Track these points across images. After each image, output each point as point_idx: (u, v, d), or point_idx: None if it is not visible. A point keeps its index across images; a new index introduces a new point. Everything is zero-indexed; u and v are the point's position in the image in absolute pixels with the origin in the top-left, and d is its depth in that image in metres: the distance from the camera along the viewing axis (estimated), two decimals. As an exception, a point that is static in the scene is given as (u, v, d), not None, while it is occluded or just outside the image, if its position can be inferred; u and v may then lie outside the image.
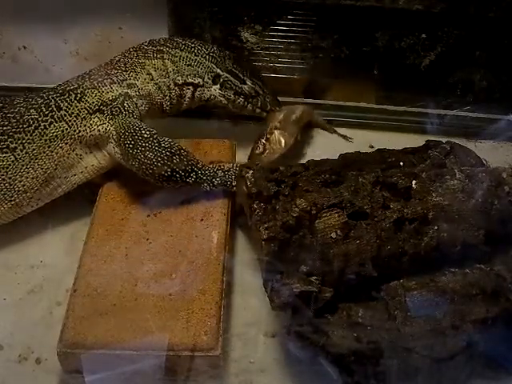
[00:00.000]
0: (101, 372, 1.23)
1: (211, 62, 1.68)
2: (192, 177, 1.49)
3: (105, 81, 1.57)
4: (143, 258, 1.39)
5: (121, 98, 1.56)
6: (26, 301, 1.43)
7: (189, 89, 1.68)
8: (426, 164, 1.41)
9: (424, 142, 1.51)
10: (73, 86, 1.55)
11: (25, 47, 1.96)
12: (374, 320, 1.23)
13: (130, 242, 1.43)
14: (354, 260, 1.24)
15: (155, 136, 1.49)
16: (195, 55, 1.67)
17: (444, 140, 1.52)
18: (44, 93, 1.53)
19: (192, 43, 1.69)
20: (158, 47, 1.66)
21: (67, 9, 1.87)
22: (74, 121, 1.51)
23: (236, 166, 1.55)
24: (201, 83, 1.68)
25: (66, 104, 1.51)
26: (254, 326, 1.39)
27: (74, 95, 1.52)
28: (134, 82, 1.60)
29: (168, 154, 1.46)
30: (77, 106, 1.51)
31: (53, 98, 1.51)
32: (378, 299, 1.26)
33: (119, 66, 1.61)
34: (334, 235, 1.25)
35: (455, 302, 1.24)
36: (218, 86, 1.69)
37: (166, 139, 1.50)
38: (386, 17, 1.83)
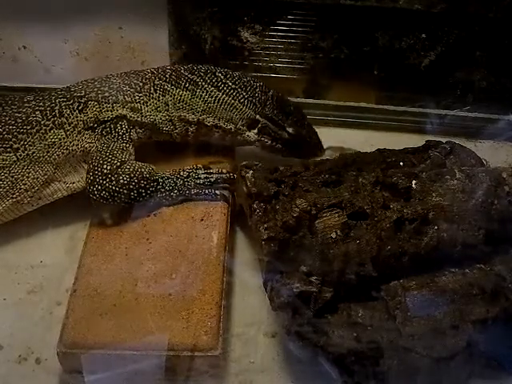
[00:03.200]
0: (101, 372, 1.23)
1: (249, 107, 1.56)
2: (151, 200, 1.47)
3: (110, 97, 1.52)
4: (143, 258, 1.39)
5: (116, 119, 1.50)
6: (25, 301, 1.43)
7: (217, 132, 1.59)
8: (426, 164, 1.41)
9: (424, 142, 1.51)
10: (80, 93, 1.51)
11: (25, 47, 1.96)
12: (374, 320, 1.23)
13: (130, 242, 1.43)
14: (353, 260, 1.24)
15: (115, 172, 1.43)
16: (233, 99, 1.55)
17: (444, 140, 1.52)
18: (53, 94, 1.51)
19: (233, 83, 1.56)
20: (195, 77, 1.56)
21: (67, 9, 1.87)
22: (72, 131, 1.48)
23: (197, 169, 1.53)
24: (233, 129, 1.58)
25: (68, 112, 1.48)
26: (253, 326, 1.39)
27: (77, 104, 1.49)
28: (140, 106, 1.53)
29: (125, 191, 1.43)
30: (77, 117, 1.49)
31: (58, 102, 1.49)
32: (377, 299, 1.26)
33: (135, 85, 1.54)
34: (333, 235, 1.25)
35: (455, 301, 1.24)
36: (256, 130, 1.59)
37: (127, 170, 1.44)
38: (386, 17, 1.83)
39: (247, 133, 1.59)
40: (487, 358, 1.26)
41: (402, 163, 1.42)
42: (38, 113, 1.47)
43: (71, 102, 1.50)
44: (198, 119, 1.57)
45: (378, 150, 1.50)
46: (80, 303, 1.29)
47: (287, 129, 1.60)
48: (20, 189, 1.46)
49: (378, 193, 1.32)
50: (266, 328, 1.39)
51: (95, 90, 1.52)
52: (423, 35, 1.86)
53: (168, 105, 1.55)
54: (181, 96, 1.55)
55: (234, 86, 1.57)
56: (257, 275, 1.36)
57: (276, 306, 1.23)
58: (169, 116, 1.56)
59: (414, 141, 1.58)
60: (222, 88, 1.56)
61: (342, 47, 1.92)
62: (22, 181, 1.45)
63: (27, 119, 1.46)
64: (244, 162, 1.45)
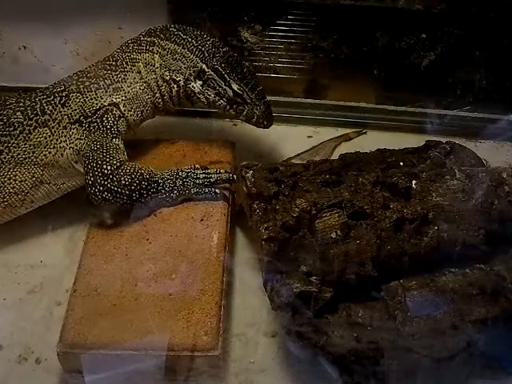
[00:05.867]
0: (101, 372, 1.23)
1: (197, 55, 1.55)
2: (152, 201, 1.47)
3: (91, 85, 1.51)
4: (143, 258, 1.39)
5: (102, 111, 1.50)
6: (25, 301, 1.43)
7: (173, 87, 1.59)
8: (426, 164, 1.41)
9: (424, 142, 1.51)
10: (60, 87, 1.50)
11: (25, 47, 1.96)
12: (374, 320, 1.22)
13: (130, 242, 1.43)
14: (354, 260, 1.24)
15: (116, 172, 1.42)
16: (182, 48, 1.55)
17: (444, 140, 1.52)
18: (33, 94, 1.50)
19: (184, 34, 1.57)
20: (152, 38, 1.58)
21: (67, 9, 1.87)
22: (57, 128, 1.47)
23: (195, 169, 1.53)
24: (182, 81, 1.57)
25: (51, 108, 1.47)
26: (253, 326, 1.39)
27: (58, 98, 1.48)
28: (120, 85, 1.54)
29: (127, 192, 1.42)
30: (60, 112, 1.47)
31: (39, 100, 1.47)
32: (378, 299, 1.26)
33: (110, 66, 1.55)
34: (333, 235, 1.25)
35: (455, 301, 1.24)
36: (201, 82, 1.56)
37: (128, 171, 1.43)
38: (386, 17, 1.83)
39: (193, 83, 1.56)
40: (487, 357, 1.25)
41: (402, 163, 1.42)
42: (19, 113, 1.45)
43: (52, 97, 1.48)
44: (160, 75, 1.58)
45: (378, 149, 1.50)
46: (80, 303, 1.29)
47: (232, 85, 1.54)
48: (9, 192, 1.44)
49: (377, 193, 1.32)
50: (265, 328, 1.39)
51: (74, 82, 1.52)
52: (423, 35, 1.86)
53: (140, 72, 1.57)
54: (145, 59, 1.57)
55: (184, 37, 1.57)
56: (257, 275, 1.36)
57: (276, 306, 1.23)
58: (145, 82, 1.57)
59: (414, 141, 1.58)
60: (174, 40, 1.57)
61: (342, 47, 1.92)
62: (10, 184, 1.44)
63: (9, 121, 1.44)
64: (244, 162, 1.45)
